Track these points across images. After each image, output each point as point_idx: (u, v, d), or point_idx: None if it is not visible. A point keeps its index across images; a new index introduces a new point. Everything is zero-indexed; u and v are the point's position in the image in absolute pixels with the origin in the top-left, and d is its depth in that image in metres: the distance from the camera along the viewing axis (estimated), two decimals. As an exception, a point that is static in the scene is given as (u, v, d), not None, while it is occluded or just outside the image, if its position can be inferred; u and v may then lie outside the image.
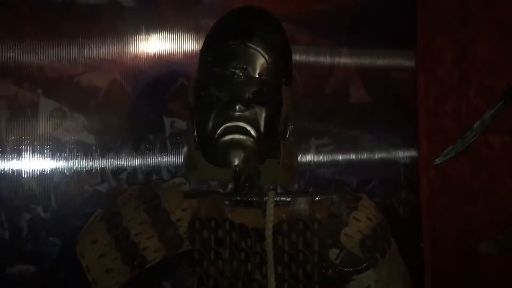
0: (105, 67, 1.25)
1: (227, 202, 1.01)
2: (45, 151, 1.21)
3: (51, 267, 1.20)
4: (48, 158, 1.21)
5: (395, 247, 0.99)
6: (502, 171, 1.39)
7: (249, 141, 0.94)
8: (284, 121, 1.01)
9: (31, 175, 1.19)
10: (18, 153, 1.19)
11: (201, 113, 0.98)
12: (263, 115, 0.96)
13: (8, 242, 1.17)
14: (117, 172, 1.26)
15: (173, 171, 1.29)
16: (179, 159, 1.29)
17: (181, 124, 1.29)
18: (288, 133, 1.03)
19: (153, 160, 1.29)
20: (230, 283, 0.97)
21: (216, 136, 0.94)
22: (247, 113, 0.95)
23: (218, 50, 0.98)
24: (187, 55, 1.31)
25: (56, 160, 1.21)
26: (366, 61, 1.51)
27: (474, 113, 1.41)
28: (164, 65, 1.30)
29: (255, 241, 0.98)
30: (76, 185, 1.23)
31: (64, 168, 1.22)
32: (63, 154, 1.22)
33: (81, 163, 1.23)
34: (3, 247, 1.17)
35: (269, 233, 0.96)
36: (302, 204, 0.98)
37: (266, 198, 0.98)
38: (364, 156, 1.50)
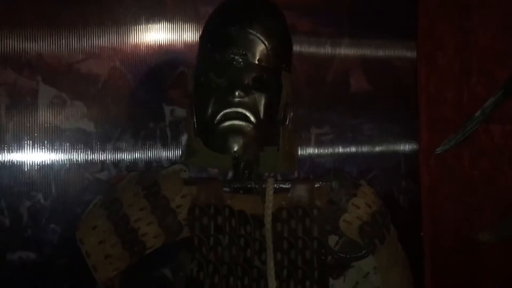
0: (105, 55, 1.25)
1: (226, 189, 1.01)
2: (45, 138, 1.21)
3: (51, 254, 1.20)
4: (48, 146, 1.21)
5: (394, 233, 0.99)
6: (503, 160, 1.38)
7: (248, 127, 0.94)
8: (284, 108, 1.01)
9: (31, 163, 1.19)
10: (18, 141, 1.19)
11: (200, 99, 0.98)
12: (263, 101, 0.96)
13: (9, 229, 1.18)
14: (117, 159, 1.26)
15: (173, 159, 1.29)
16: (179, 147, 1.29)
17: (181, 112, 1.29)
18: (287, 120, 1.03)
19: (153, 148, 1.29)
20: (229, 269, 0.98)
21: (215, 122, 0.94)
22: (246, 99, 0.94)
23: (218, 36, 0.98)
24: (187, 43, 1.31)
25: (56, 147, 1.22)
26: (367, 50, 1.50)
27: (476, 102, 1.40)
28: (164, 53, 1.30)
29: (254, 228, 0.98)
30: (76, 172, 1.23)
31: (64, 155, 1.22)
32: (63, 141, 1.22)
33: (81, 150, 1.23)
34: (4, 234, 1.18)
35: (268, 219, 0.96)
36: (301, 191, 0.98)
37: (266, 185, 0.98)
38: (365, 145, 1.49)
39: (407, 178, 1.53)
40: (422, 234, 1.50)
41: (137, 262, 1.01)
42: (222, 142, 0.94)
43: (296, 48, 1.24)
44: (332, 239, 1.00)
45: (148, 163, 1.27)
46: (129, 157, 1.27)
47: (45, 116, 1.21)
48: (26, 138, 1.19)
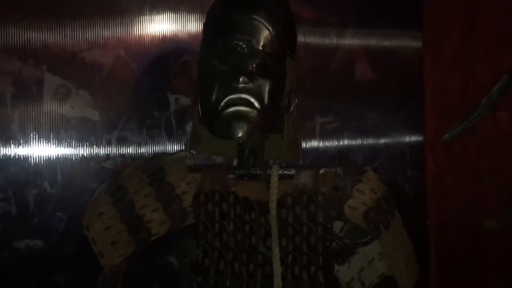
0: (110, 44, 1.25)
1: (231, 176, 1.01)
2: (51, 127, 1.21)
3: (58, 242, 1.21)
4: (54, 134, 1.22)
5: (399, 219, 0.99)
6: (509, 147, 1.37)
7: (253, 113, 0.94)
8: (288, 94, 1.01)
9: (37, 151, 1.20)
10: (24, 129, 1.19)
11: (205, 86, 0.98)
12: (267, 87, 0.96)
13: (15, 217, 1.19)
14: (122, 148, 1.26)
15: (177, 147, 1.29)
16: (184, 136, 1.30)
17: (185, 101, 1.29)
18: (292, 107, 1.02)
19: (158, 136, 1.29)
20: (234, 255, 0.98)
21: (219, 108, 0.94)
22: (250, 85, 0.94)
23: (221, 22, 0.98)
24: (191, 34, 1.31)
25: (62, 136, 1.22)
26: (372, 39, 1.50)
27: (481, 90, 1.40)
28: (168, 42, 1.30)
29: (259, 214, 0.98)
30: (81, 161, 1.24)
31: (70, 144, 1.23)
32: (68, 130, 1.23)
33: (86, 139, 1.24)
34: (11, 222, 1.19)
35: (273, 205, 0.96)
36: (306, 177, 0.98)
37: (270, 171, 0.98)
38: (370, 134, 1.49)
39: (413, 167, 1.53)
40: (427, 222, 1.50)
41: (142, 248, 1.02)
42: (226, 128, 0.94)
43: (300, 37, 1.24)
44: (337, 225, 0.99)
45: (153, 151, 1.28)
46: (134, 146, 1.27)
47: (50, 105, 1.21)
48: (31, 127, 1.20)
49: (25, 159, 1.20)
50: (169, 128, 1.30)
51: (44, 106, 1.21)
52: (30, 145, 1.20)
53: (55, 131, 1.22)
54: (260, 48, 0.96)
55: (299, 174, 0.99)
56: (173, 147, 1.30)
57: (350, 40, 1.48)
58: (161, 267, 1.28)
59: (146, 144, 1.28)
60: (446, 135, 1.44)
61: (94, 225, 0.98)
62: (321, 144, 1.44)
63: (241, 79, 0.93)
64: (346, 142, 1.45)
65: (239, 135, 0.94)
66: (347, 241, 0.99)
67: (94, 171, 1.24)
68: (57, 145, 1.22)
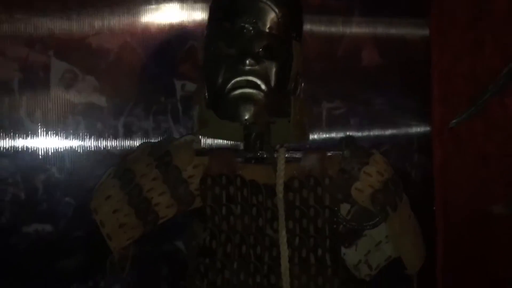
0: (116, 30, 1.25)
1: (238, 159, 1.01)
2: (58, 112, 1.22)
3: (67, 227, 1.22)
4: (61, 120, 1.22)
5: (407, 201, 0.99)
6: (517, 132, 1.36)
7: (259, 95, 0.94)
8: (295, 77, 1.00)
9: (44, 137, 1.21)
10: (31, 115, 1.20)
11: (211, 68, 0.97)
12: (274, 70, 0.96)
13: (24, 201, 1.20)
14: (129, 134, 1.27)
15: (184, 133, 1.29)
16: (191, 122, 1.30)
17: (191, 87, 1.29)
18: (298, 90, 1.02)
19: (164, 122, 1.29)
20: (241, 238, 0.99)
21: (226, 90, 0.94)
22: (257, 68, 0.94)
23: (228, 4, 0.97)
24: (197, 21, 1.30)
25: (69, 121, 1.23)
26: (379, 24, 1.49)
27: (490, 74, 1.38)
28: (174, 28, 1.30)
29: (266, 197, 0.98)
30: (89, 147, 1.24)
31: (77, 129, 1.23)
32: (75, 116, 1.23)
33: (93, 124, 1.24)
34: (20, 207, 1.20)
35: (280, 188, 0.96)
36: (313, 160, 0.98)
37: (277, 154, 0.98)
38: (376, 119, 1.48)
39: (420, 153, 1.52)
40: (434, 208, 1.49)
41: (150, 233, 1.02)
42: (233, 110, 0.94)
43: (307, 25, 1.23)
44: (344, 208, 0.99)
45: (160, 137, 1.28)
46: (141, 131, 1.27)
47: (57, 90, 1.22)
48: (39, 113, 1.21)
49: (33, 144, 1.20)
50: (175, 114, 1.30)
51: (51, 91, 1.21)
52: (38, 131, 1.21)
53: (62, 116, 1.22)
54: (267, 30, 0.96)
55: (306, 157, 0.99)
56: (180, 133, 1.30)
57: (357, 28, 1.46)
58: (168, 251, 1.29)
59: (152, 130, 1.28)
60: (454, 121, 1.42)
61: (102, 208, 0.99)
62: (327, 130, 1.44)
63: (247, 61, 0.93)
64: (352, 128, 1.45)
65: (246, 117, 0.94)
66: (354, 224, 0.99)
67: (102, 156, 1.25)
68: (64, 131, 1.22)
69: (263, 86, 0.94)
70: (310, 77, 1.25)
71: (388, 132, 1.50)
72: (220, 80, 0.95)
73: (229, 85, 0.94)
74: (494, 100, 1.36)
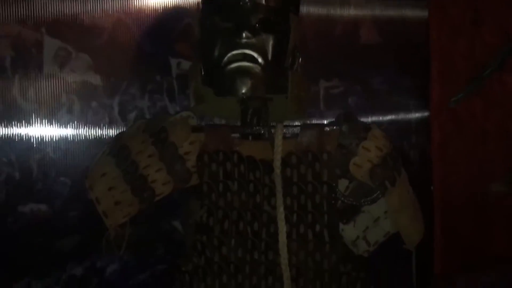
0: (110, 7, 1.23)
1: (235, 135, 1.00)
2: (52, 91, 1.20)
3: (62, 206, 1.21)
4: (55, 98, 1.20)
5: (405, 176, 0.98)
6: (516, 110, 1.36)
7: (256, 68, 0.92)
8: (292, 51, 0.99)
9: (37, 114, 1.19)
10: (24, 93, 1.18)
11: (207, 43, 0.96)
12: (271, 43, 0.94)
13: (19, 181, 1.18)
14: (124, 113, 1.25)
15: (180, 112, 1.28)
16: (186, 101, 1.28)
17: (187, 65, 1.27)
18: (296, 64, 1.00)
19: (160, 101, 1.28)
20: (239, 215, 0.97)
21: (222, 64, 0.92)
22: (254, 41, 0.92)
23: (223, -23, 0.95)
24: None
25: (63, 100, 1.21)
26: (378, 3, 1.47)
27: (488, 52, 1.37)
28: (169, 5, 1.27)
29: (263, 173, 0.97)
30: (84, 126, 1.23)
31: (71, 108, 1.22)
32: (69, 94, 1.21)
33: (88, 103, 1.22)
34: (15, 187, 1.18)
35: (277, 164, 0.95)
36: (310, 135, 0.97)
37: (274, 130, 0.97)
38: (374, 98, 1.47)
39: (418, 132, 1.52)
40: (432, 188, 1.49)
41: (147, 212, 1.01)
42: (229, 84, 0.93)
43: (304, 2, 1.21)
44: (342, 184, 0.98)
45: (156, 115, 1.27)
46: (137, 110, 1.26)
47: (50, 68, 1.19)
48: (32, 91, 1.19)
49: (27, 123, 1.19)
50: (171, 93, 1.29)
51: (45, 70, 1.19)
52: (31, 110, 1.19)
53: (56, 95, 1.20)
54: (263, 2, 0.94)
55: (303, 133, 0.97)
56: (176, 112, 1.28)
57: (356, 6, 1.45)
58: (165, 231, 1.28)
59: (148, 108, 1.27)
60: (452, 99, 1.42)
61: (98, 186, 0.98)
62: (325, 109, 1.43)
63: (244, 34, 0.91)
64: (350, 107, 1.43)
65: (243, 91, 0.92)
66: (352, 199, 0.98)
67: (97, 136, 1.23)
68: (59, 110, 1.21)
69: (260, 60, 0.92)
70: (308, 55, 1.23)
71: (386, 111, 1.49)
72: (216, 54, 0.93)
73: (225, 58, 0.92)
74: (493, 77, 1.36)
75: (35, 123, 1.19)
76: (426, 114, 1.50)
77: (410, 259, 0.98)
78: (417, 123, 1.51)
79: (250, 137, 1.01)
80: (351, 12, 1.44)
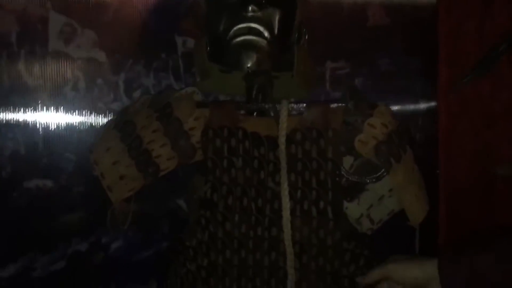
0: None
1: (240, 111, 0.99)
2: (57, 67, 1.20)
3: (67, 182, 1.21)
4: (60, 75, 1.20)
5: (411, 154, 0.97)
6: (525, 92, 1.34)
7: (262, 42, 0.91)
8: (299, 26, 0.98)
9: (43, 90, 1.19)
10: (30, 69, 1.18)
11: (213, 16, 0.95)
12: (277, 17, 0.93)
13: (24, 157, 1.19)
14: (129, 90, 1.25)
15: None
16: (192, 79, 1.28)
17: (193, 43, 1.26)
18: (302, 40, 1.00)
19: (165, 79, 1.27)
20: (243, 191, 0.97)
21: (228, 38, 0.92)
22: (260, 14, 0.91)
23: (230, -51, 0.94)
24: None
25: (68, 76, 1.21)
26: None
27: (498, 34, 1.35)
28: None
29: (268, 149, 0.97)
30: (89, 102, 1.23)
31: (76, 85, 1.21)
32: (75, 70, 1.21)
33: (93, 80, 1.22)
34: (20, 162, 1.19)
35: (282, 140, 0.95)
36: (316, 112, 0.96)
37: (280, 106, 0.96)
38: (381, 80, 1.46)
39: (424, 115, 1.50)
40: (437, 171, 1.48)
41: (151, 186, 1.01)
42: (235, 58, 0.92)
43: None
44: (347, 162, 0.98)
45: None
46: (142, 88, 1.26)
47: (56, 44, 1.19)
48: (37, 67, 1.19)
49: (32, 99, 1.19)
50: (176, 71, 1.28)
51: (50, 45, 1.19)
52: (36, 85, 1.19)
53: (61, 71, 1.20)
54: (270, -24, 0.93)
55: (309, 109, 0.97)
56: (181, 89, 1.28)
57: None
58: (170, 211, 1.28)
59: (153, 86, 1.26)
60: (460, 82, 1.40)
61: (102, 160, 0.98)
62: (331, 90, 1.41)
63: (250, 7, 0.90)
64: (356, 86, 1.42)
65: (248, 64, 0.92)
66: (356, 177, 0.97)
67: (102, 112, 1.23)
68: (64, 86, 1.21)
69: (266, 34, 0.92)
70: (314, 35, 1.22)
71: (393, 93, 1.47)
72: (221, 28, 0.93)
73: (231, 32, 0.91)
74: (503, 59, 1.34)
75: (40, 99, 1.19)
76: (433, 96, 1.49)
77: (413, 237, 0.98)
78: (424, 105, 1.50)
79: (255, 113, 1.00)
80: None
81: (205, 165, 0.99)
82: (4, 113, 1.18)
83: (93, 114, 1.23)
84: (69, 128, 1.21)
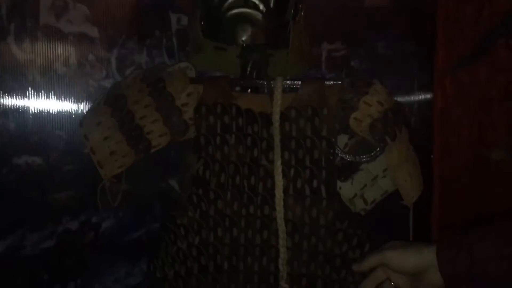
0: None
1: (234, 88, 0.98)
2: (48, 42, 1.17)
3: (57, 160, 1.19)
4: (51, 50, 1.17)
5: (406, 133, 0.96)
6: (522, 76, 1.33)
7: (257, 15, 0.90)
8: (295, 2, 0.96)
9: (33, 65, 1.17)
10: (20, 43, 1.15)
11: (208, -12, 0.93)
12: (273, -10, 0.91)
13: (14, 133, 1.17)
14: (122, 67, 1.23)
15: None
16: (186, 57, 1.25)
17: (187, 21, 1.24)
18: (298, 16, 0.98)
19: (159, 57, 1.25)
20: (235, 168, 0.96)
21: (222, 10, 0.90)
22: (255, -13, 0.89)
23: None
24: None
25: (59, 52, 1.18)
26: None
27: (497, 16, 1.33)
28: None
29: (262, 127, 0.95)
30: (80, 79, 1.20)
31: (67, 61, 1.19)
32: (66, 45, 1.18)
33: (85, 56, 1.20)
34: (9, 138, 1.17)
35: (276, 117, 0.93)
36: (311, 90, 0.95)
37: (274, 83, 0.95)
38: (377, 63, 1.44)
39: (420, 99, 1.49)
40: (432, 156, 1.47)
41: (142, 160, 0.99)
42: (229, 31, 0.90)
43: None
44: (342, 141, 0.97)
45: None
46: (134, 65, 1.23)
47: (47, 18, 1.16)
48: (28, 41, 1.16)
49: (21, 74, 1.16)
50: (170, 49, 1.25)
51: (41, 19, 1.16)
52: (26, 59, 1.16)
53: (52, 46, 1.18)
54: None
55: (304, 87, 0.95)
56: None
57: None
58: (163, 191, 1.27)
59: (146, 64, 1.24)
60: (457, 66, 1.39)
61: (93, 135, 0.96)
62: (326, 72, 1.40)
63: (245, -20, 0.88)
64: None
65: (243, 38, 0.90)
66: (351, 156, 0.96)
67: (93, 89, 1.21)
68: (54, 61, 1.18)
69: (261, 7, 0.90)
70: (310, 15, 1.20)
71: (389, 76, 1.45)
72: (216, 0, 0.90)
73: (226, 4, 0.90)
74: (500, 43, 1.32)
75: (29, 73, 1.17)
76: (429, 79, 1.47)
77: (407, 216, 0.97)
78: (420, 88, 1.48)
79: (249, 90, 0.99)
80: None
81: (198, 142, 0.97)
82: (-7, 88, 1.15)
83: (84, 91, 1.20)
84: (60, 105, 1.19)
